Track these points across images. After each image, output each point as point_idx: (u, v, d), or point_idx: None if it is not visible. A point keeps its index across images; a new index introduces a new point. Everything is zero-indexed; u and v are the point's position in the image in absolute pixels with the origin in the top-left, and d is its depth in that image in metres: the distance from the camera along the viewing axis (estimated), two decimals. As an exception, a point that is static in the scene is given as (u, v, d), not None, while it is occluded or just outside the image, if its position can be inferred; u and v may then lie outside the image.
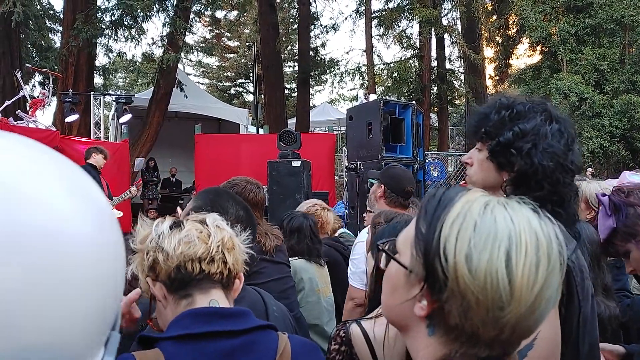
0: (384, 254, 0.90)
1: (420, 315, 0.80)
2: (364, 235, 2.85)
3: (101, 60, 15.25)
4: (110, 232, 0.62)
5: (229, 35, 32.27)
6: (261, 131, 14.58)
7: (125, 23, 12.77)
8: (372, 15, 20.91)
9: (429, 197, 0.85)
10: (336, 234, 4.22)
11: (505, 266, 0.73)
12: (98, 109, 11.34)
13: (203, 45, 27.96)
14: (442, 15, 20.14)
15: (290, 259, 3.03)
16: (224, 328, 1.17)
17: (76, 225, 0.56)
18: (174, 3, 13.08)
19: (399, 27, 21.29)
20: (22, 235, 0.51)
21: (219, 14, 22.53)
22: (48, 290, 0.52)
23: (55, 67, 12.99)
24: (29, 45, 16.39)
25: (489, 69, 27.18)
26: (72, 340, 0.55)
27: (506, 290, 0.73)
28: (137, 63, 16.58)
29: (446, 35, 21.25)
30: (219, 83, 35.51)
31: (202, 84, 33.15)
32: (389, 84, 22.25)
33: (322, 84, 30.90)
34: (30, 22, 14.50)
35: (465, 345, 0.78)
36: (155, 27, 44.23)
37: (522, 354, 1.14)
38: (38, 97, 10.19)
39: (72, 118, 10.46)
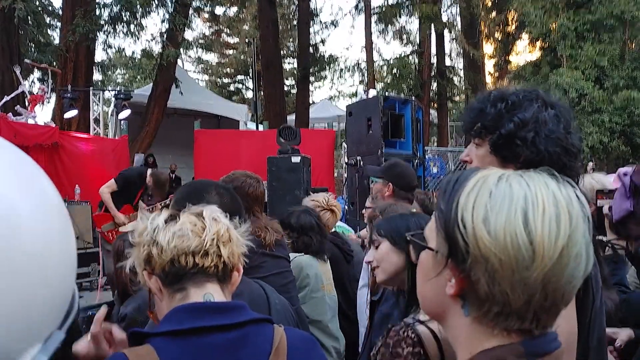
0: (413, 246, 0.91)
1: (451, 293, 0.80)
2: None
3: (100, 56, 15.22)
4: (51, 222, 0.63)
5: (228, 31, 32.19)
6: (261, 127, 14.56)
7: (124, 19, 12.75)
8: (372, 12, 20.88)
9: (447, 180, 0.86)
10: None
11: (523, 224, 0.73)
12: (97, 105, 11.32)
13: (202, 41, 27.92)
14: (442, 11, 20.14)
15: (295, 254, 3.02)
16: (217, 322, 1.16)
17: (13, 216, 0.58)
18: (173, -1, 13.06)
19: (399, 23, 21.30)
20: None
21: (219, 10, 22.51)
22: None
23: (54, 63, 12.96)
24: (27, 41, 16.34)
25: (489, 65, 27.16)
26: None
27: (527, 246, 0.73)
28: (136, 59, 16.56)
29: (446, 32, 21.25)
30: (219, 79, 35.44)
31: (202, 80, 33.14)
32: (389, 80, 22.23)
33: (322, 81, 30.85)
34: (29, 18, 14.45)
35: (498, 316, 0.77)
36: (154, 23, 44.18)
37: None
38: (37, 93, 10.16)
39: (71, 114, 10.45)
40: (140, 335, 1.17)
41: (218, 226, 1.24)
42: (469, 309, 0.80)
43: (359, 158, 6.78)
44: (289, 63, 30.88)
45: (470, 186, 0.79)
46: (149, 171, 6.64)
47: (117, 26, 12.84)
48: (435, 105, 22.36)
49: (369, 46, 20.45)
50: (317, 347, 1.35)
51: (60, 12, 14.67)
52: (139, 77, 28.12)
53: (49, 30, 18.06)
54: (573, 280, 0.76)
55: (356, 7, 21.53)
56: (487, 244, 0.74)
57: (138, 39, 13.38)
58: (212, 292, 1.23)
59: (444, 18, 20.77)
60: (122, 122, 11.57)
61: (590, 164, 14.73)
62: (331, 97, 31.67)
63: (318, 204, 3.54)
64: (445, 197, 0.82)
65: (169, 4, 13.09)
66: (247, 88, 34.32)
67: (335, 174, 12.99)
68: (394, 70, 21.03)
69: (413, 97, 11.32)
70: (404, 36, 21.87)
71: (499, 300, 0.76)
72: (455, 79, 23.97)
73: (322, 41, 24.01)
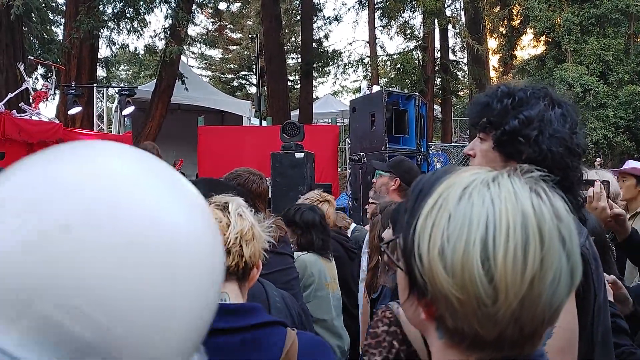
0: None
1: (422, 318, 0.73)
2: None
3: (104, 52, 15.23)
4: (212, 234, 0.64)
5: (231, 27, 32.20)
6: (264, 123, 14.56)
7: (128, 15, 12.75)
8: (375, 6, 20.80)
9: (415, 184, 0.78)
10: (348, 232, 4.20)
11: (481, 257, 0.64)
12: (101, 101, 11.35)
13: (206, 37, 27.88)
14: (446, 6, 20.03)
15: (299, 253, 3.02)
16: (228, 325, 1.16)
17: (184, 231, 0.58)
18: (177, -5, 13.05)
19: (402, 18, 21.17)
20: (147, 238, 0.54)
21: (222, 6, 22.47)
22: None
23: (58, 59, 12.97)
24: (31, 38, 16.35)
25: (493, 60, 27.08)
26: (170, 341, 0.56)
27: (486, 286, 0.63)
28: (140, 55, 16.56)
29: (450, 26, 21.14)
30: (222, 75, 35.44)
31: (205, 76, 33.11)
32: (392, 76, 22.17)
33: (325, 76, 30.76)
34: (33, 14, 14.46)
35: (473, 348, 0.70)
36: (158, 19, 44.16)
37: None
38: (41, 89, 10.17)
39: (75, 110, 10.47)
40: None
41: (243, 224, 1.22)
42: (443, 334, 0.73)
43: (362, 154, 6.77)
44: (292, 58, 30.86)
45: (430, 205, 0.70)
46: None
47: (120, 22, 12.85)
48: (439, 100, 22.29)
49: (372, 41, 20.39)
50: (328, 351, 1.35)
51: (64, 9, 14.69)
52: (142, 73, 28.16)
53: (52, 26, 18.08)
54: (554, 304, 0.67)
55: (359, 1, 21.46)
56: (443, 282, 0.65)
57: (141, 35, 13.36)
58: (229, 292, 1.22)
59: (448, 13, 20.68)
60: (125, 118, 11.58)
61: (598, 159, 14.69)
62: (335, 92, 31.64)
63: (313, 200, 3.56)
64: (408, 209, 0.74)
65: (172, 0, 13.09)
66: (251, 84, 34.33)
67: (339, 169, 12.99)
68: (398, 65, 20.96)
69: (417, 93, 11.29)
70: (408, 31, 21.76)
71: (468, 334, 0.68)
72: (459, 74, 23.90)
73: (326, 36, 23.93)
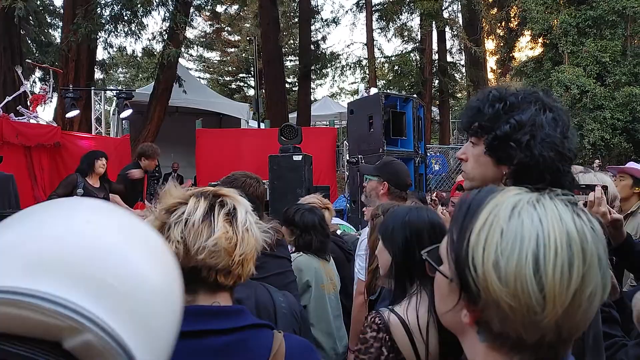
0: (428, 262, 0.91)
1: (465, 322, 0.81)
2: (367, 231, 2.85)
3: (101, 55, 15.23)
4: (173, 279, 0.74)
5: (229, 29, 32.21)
6: (262, 125, 14.55)
7: (125, 18, 12.75)
8: (373, 9, 20.84)
9: (461, 202, 0.85)
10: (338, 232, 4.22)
11: (534, 270, 0.72)
12: (99, 104, 11.31)
13: (204, 39, 27.89)
14: (443, 8, 20.08)
15: (295, 255, 3.02)
16: (215, 327, 1.16)
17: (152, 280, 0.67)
18: (174, -3, 13.05)
19: (400, 20, 21.22)
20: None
21: (220, 8, 22.49)
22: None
23: (56, 62, 12.97)
24: (29, 41, 16.36)
25: (491, 62, 27.14)
26: None
27: (537, 295, 0.72)
28: (138, 58, 16.55)
29: (447, 28, 21.21)
30: (220, 78, 35.45)
31: (203, 78, 33.13)
32: (390, 78, 22.21)
33: (323, 78, 30.78)
34: (31, 17, 14.46)
35: (514, 350, 0.78)
36: (155, 21, 44.22)
37: None
38: (39, 92, 10.16)
39: (73, 113, 10.44)
40: None
41: (249, 242, 1.21)
42: (485, 337, 0.81)
43: (360, 156, 6.77)
44: (290, 61, 30.88)
45: (482, 221, 0.78)
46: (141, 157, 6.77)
47: (118, 25, 12.84)
48: (437, 102, 22.31)
49: (370, 43, 20.42)
50: (314, 354, 1.35)
51: (62, 12, 14.68)
52: (140, 76, 28.15)
53: (50, 29, 18.08)
54: (589, 314, 0.76)
55: (357, 4, 21.49)
56: (497, 291, 0.73)
57: (139, 37, 13.36)
58: (221, 300, 1.22)
59: (445, 15, 20.73)
60: (123, 121, 11.56)
61: (597, 161, 14.72)
62: (332, 95, 31.69)
63: (314, 205, 3.56)
64: (457, 225, 0.82)
65: (170, 3, 13.08)
66: (249, 86, 34.35)
67: (337, 172, 12.99)
68: (395, 67, 21.00)
69: (414, 95, 11.31)
70: (405, 33, 21.81)
71: (512, 338, 0.76)
72: (457, 75, 23.93)
73: (324, 38, 23.98)
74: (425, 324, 1.62)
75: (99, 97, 11.35)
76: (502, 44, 23.37)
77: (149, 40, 14.21)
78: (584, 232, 0.75)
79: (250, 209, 1.27)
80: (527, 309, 0.72)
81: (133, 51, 14.61)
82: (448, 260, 0.82)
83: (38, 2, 16.83)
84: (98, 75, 17.23)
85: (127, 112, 10.67)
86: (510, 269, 0.73)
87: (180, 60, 15.92)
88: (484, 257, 0.75)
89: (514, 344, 0.77)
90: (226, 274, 1.19)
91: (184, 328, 1.14)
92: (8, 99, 8.94)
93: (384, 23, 21.17)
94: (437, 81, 21.63)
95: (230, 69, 35.00)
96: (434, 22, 19.44)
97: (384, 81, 23.56)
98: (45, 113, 15.00)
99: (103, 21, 12.39)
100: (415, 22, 21.52)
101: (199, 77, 29.76)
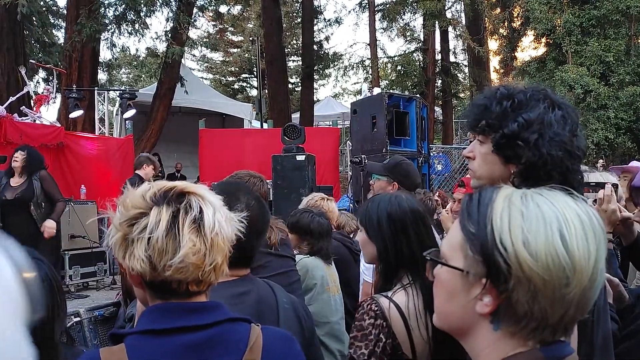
0: (431, 264, 0.93)
1: (484, 312, 0.83)
2: None
3: (105, 55, 15.23)
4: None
5: (232, 29, 32.22)
6: (265, 126, 14.56)
7: (129, 18, 12.77)
8: (376, 9, 20.84)
9: (467, 201, 0.89)
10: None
11: (561, 243, 0.78)
12: (102, 104, 11.33)
13: (207, 40, 27.89)
14: (446, 7, 20.05)
15: (301, 256, 3.02)
16: (190, 323, 1.15)
17: None
18: (177, -3, 13.07)
19: (403, 20, 21.23)
20: None
21: (223, 9, 22.49)
22: None
23: (59, 63, 12.99)
24: (32, 42, 16.37)
25: (494, 62, 27.11)
26: None
27: (568, 265, 0.78)
28: (141, 58, 16.57)
29: (450, 28, 21.17)
30: (223, 78, 35.49)
31: (206, 79, 33.15)
32: (393, 78, 22.22)
33: (326, 78, 30.83)
34: (34, 18, 14.47)
35: (534, 331, 0.81)
36: (159, 22, 44.26)
37: None
38: (42, 93, 10.19)
39: (77, 114, 10.47)
40: (119, 336, 1.16)
41: (219, 247, 1.16)
42: (501, 324, 0.83)
43: (363, 156, 6.77)
44: (293, 61, 30.89)
45: (500, 209, 0.83)
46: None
47: (121, 25, 12.86)
48: (440, 102, 22.29)
49: (373, 43, 20.43)
50: (294, 344, 1.33)
51: (65, 12, 14.71)
52: (143, 76, 28.18)
53: (53, 30, 18.10)
54: (597, 292, 0.82)
55: (360, 4, 21.49)
56: (531, 265, 0.78)
57: (142, 37, 13.38)
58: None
59: (448, 15, 20.70)
60: (127, 121, 11.59)
61: (601, 161, 14.69)
62: (335, 95, 31.67)
63: (315, 199, 3.54)
64: (474, 219, 0.85)
65: (173, 3, 13.10)
66: (252, 86, 34.36)
67: (340, 172, 12.98)
68: (398, 67, 20.99)
69: (417, 95, 11.30)
70: (408, 33, 21.81)
71: (537, 317, 0.80)
72: (460, 75, 23.91)
73: (327, 39, 23.98)
74: (422, 311, 1.65)
75: (102, 98, 11.37)
76: (505, 44, 23.32)
77: (153, 40, 14.23)
78: (587, 211, 0.82)
79: (220, 204, 1.20)
80: (559, 281, 0.78)
81: (137, 50, 14.67)
82: (465, 252, 0.84)
83: (42, 3, 16.86)
84: (101, 75, 17.26)
85: (130, 112, 10.69)
86: (540, 245, 0.78)
87: (183, 60, 15.96)
88: (512, 238, 0.79)
89: (536, 325, 0.81)
90: (197, 283, 1.15)
91: (159, 326, 1.14)
92: (12, 99, 8.97)
93: (387, 23, 21.18)
94: (440, 81, 21.61)
95: (233, 69, 35.01)
96: (437, 22, 19.43)
97: (387, 81, 23.55)
98: (49, 113, 15.07)
99: (107, 21, 12.41)
100: (418, 22, 21.54)
101: (202, 78, 29.79)
